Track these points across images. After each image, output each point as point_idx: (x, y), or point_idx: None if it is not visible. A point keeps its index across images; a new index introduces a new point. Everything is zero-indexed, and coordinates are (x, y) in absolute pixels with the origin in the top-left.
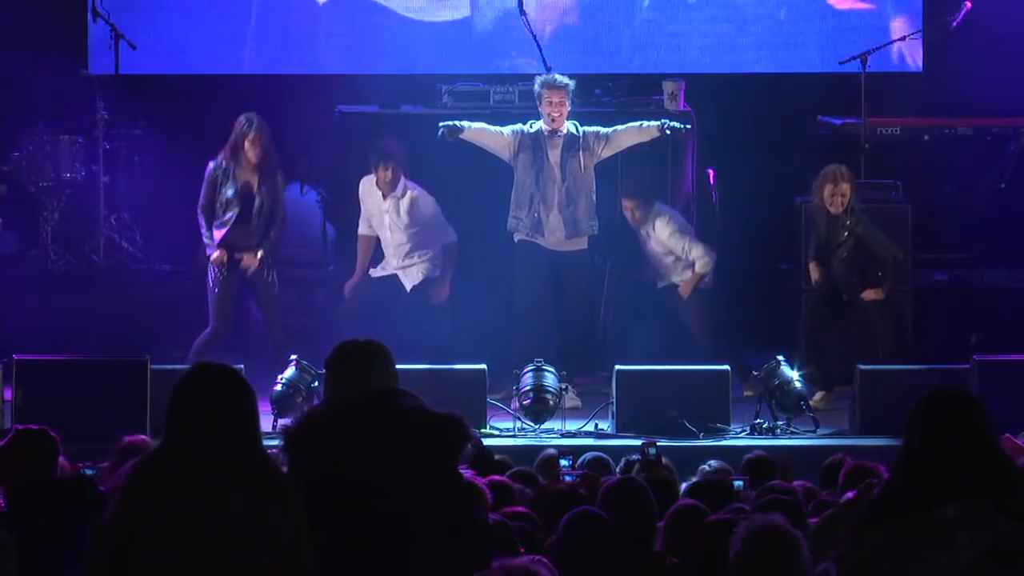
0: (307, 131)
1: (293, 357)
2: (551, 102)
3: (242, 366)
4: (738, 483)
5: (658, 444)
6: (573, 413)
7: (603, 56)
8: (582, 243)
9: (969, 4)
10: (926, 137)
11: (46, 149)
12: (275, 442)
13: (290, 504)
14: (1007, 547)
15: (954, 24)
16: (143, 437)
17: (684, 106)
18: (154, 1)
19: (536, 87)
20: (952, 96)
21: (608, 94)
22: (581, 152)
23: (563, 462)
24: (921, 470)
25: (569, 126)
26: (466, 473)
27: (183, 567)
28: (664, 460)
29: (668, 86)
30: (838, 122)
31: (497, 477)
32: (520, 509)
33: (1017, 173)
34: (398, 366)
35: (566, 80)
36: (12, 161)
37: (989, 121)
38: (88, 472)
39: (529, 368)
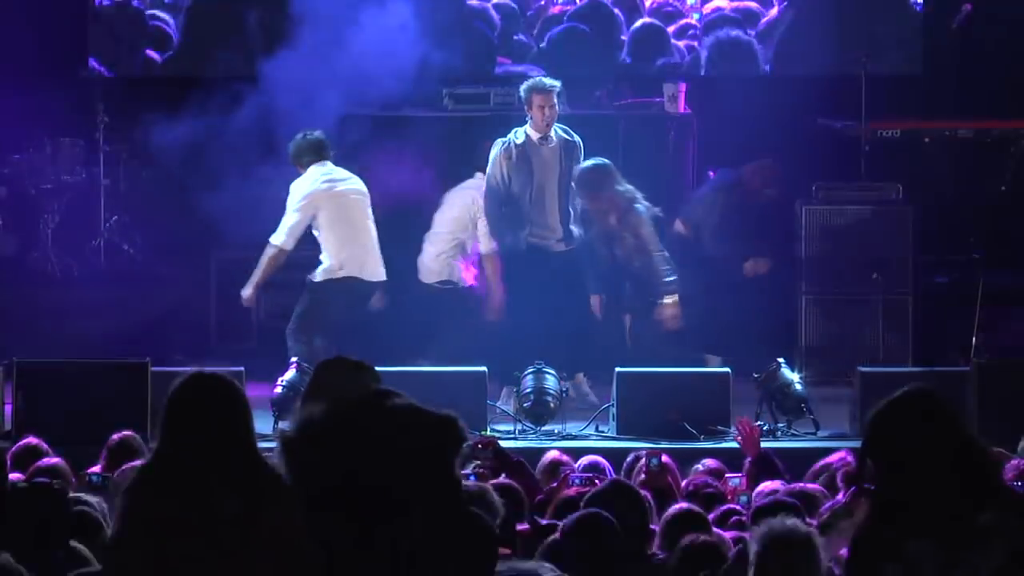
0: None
1: (293, 360)
2: (542, 107)
3: (242, 369)
4: (734, 480)
5: (660, 452)
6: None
7: (603, 57)
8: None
9: (970, 6)
10: (926, 140)
11: (46, 151)
12: (269, 445)
13: (288, 506)
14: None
15: (955, 26)
16: (130, 433)
17: (684, 108)
18: (154, 3)
19: (523, 92)
20: (952, 98)
21: (608, 96)
22: (577, 161)
23: None
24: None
25: (559, 131)
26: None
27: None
28: (668, 461)
29: (668, 88)
30: (838, 124)
31: (511, 482)
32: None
33: (1019, 175)
34: (398, 368)
35: (557, 84)
36: (12, 164)
37: (990, 124)
38: (95, 479)
39: (529, 370)
